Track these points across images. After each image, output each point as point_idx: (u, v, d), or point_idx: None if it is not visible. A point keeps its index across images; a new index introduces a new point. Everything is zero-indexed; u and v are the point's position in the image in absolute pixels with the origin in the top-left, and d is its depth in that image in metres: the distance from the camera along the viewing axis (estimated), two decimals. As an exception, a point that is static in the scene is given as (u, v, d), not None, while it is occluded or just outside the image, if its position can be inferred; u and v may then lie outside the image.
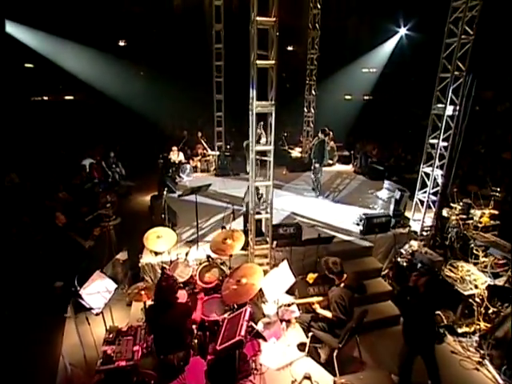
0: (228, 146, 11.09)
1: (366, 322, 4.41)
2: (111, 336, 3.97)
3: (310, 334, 4.34)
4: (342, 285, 4.15)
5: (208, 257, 4.77)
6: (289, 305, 4.47)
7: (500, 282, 5.07)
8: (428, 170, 5.88)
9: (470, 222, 6.04)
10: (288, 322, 4.91)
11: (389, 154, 11.78)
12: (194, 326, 4.13)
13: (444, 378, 4.17)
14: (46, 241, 6.53)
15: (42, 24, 12.54)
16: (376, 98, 17.29)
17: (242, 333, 3.46)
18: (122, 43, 18.28)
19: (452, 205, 6.25)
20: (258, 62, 4.32)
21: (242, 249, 5.59)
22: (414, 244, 5.76)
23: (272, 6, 4.20)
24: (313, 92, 10.23)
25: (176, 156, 10.58)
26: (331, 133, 11.56)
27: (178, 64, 16.94)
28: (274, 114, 4.63)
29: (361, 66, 18.03)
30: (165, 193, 5.75)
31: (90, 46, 14.16)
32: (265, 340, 4.40)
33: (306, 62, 9.99)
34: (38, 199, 7.95)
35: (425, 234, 6.12)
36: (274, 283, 4.50)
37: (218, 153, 10.35)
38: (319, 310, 4.22)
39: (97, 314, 4.01)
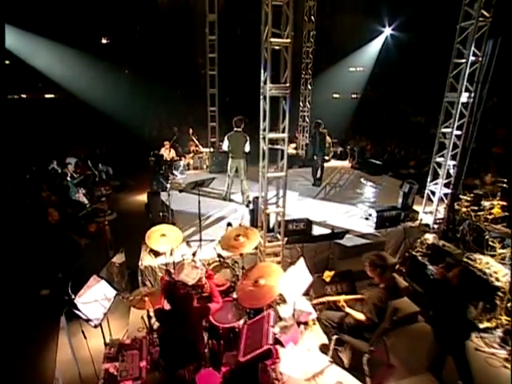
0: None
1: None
2: (112, 351, 3.41)
3: (335, 337, 3.90)
4: (382, 285, 3.73)
5: (219, 256, 4.26)
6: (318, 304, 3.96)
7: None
8: (440, 160, 5.58)
9: (481, 213, 5.78)
10: (305, 324, 4.48)
11: (382, 150, 11.58)
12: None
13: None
14: (31, 243, 5.88)
15: (17, 21, 11.70)
16: (364, 97, 17.18)
17: (270, 341, 2.99)
18: (104, 41, 17.50)
19: (461, 196, 5.98)
20: (272, 40, 3.86)
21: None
22: (429, 237, 5.44)
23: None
24: (308, 86, 9.87)
25: (168, 153, 9.99)
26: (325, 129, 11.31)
27: (163, 61, 16.29)
28: (288, 98, 4.18)
29: (348, 65, 17.92)
30: (168, 186, 5.14)
31: (69, 45, 13.32)
32: (282, 346, 3.94)
33: (302, 56, 9.61)
34: (20, 200, 7.20)
35: (435, 226, 5.81)
36: (291, 283, 4.04)
37: (211, 149, 9.84)
38: (348, 310, 3.76)
39: (95, 327, 3.42)
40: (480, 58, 4.88)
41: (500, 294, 4.72)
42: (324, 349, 4.13)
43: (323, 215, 6.43)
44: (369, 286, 3.97)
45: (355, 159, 10.06)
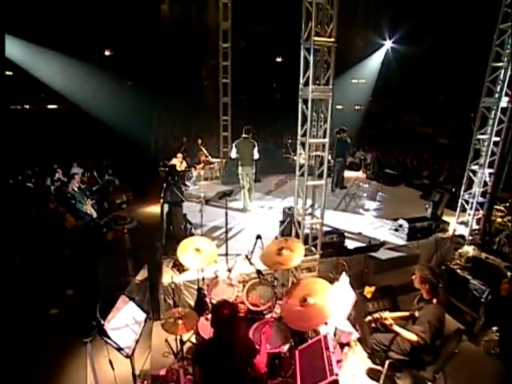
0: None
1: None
2: (146, 385, 2.96)
3: (388, 362, 3.48)
4: (435, 301, 3.36)
5: (258, 272, 3.85)
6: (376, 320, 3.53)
7: None
8: (475, 168, 5.29)
9: (518, 224, 5.48)
10: (347, 345, 4.06)
11: (392, 161, 11.35)
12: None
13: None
14: (40, 256, 5.43)
15: (21, 32, 11.40)
16: (368, 108, 17.13)
17: (335, 369, 2.57)
18: (107, 52, 17.29)
19: (496, 206, 5.68)
20: (315, 38, 3.57)
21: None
22: (469, 249, 5.10)
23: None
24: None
25: (179, 164, 9.62)
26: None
27: (166, 72, 16.10)
28: (331, 101, 3.88)
29: (350, 77, 17.91)
30: (202, 195, 4.70)
31: (73, 56, 13.05)
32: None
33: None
34: (26, 211, 6.75)
35: (470, 238, 5.48)
36: (336, 301, 3.64)
37: (223, 160, 9.50)
38: (398, 329, 3.35)
39: (127, 357, 2.96)
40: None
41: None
42: (373, 374, 3.71)
43: (349, 227, 6.07)
44: (419, 302, 3.59)
45: (370, 169, 9.77)
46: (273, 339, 3.34)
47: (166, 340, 3.93)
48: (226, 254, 4.83)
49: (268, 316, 3.73)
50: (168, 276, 4.58)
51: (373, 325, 3.55)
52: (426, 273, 3.45)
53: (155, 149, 12.62)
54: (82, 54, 13.40)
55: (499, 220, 5.52)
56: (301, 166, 4.27)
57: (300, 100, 4.05)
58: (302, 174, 4.29)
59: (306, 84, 3.92)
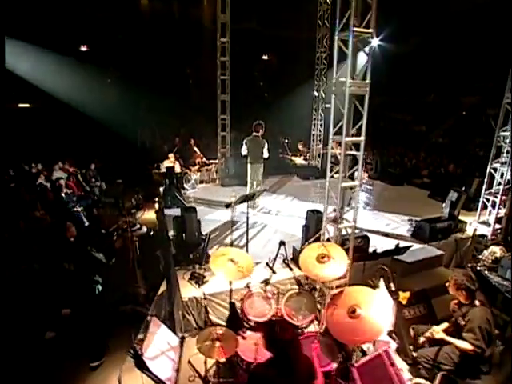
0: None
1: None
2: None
3: (440, 375, 3.35)
4: (478, 303, 3.27)
5: (298, 282, 3.63)
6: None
7: None
8: (498, 166, 5.31)
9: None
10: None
11: (389, 160, 11.42)
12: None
13: None
14: (31, 271, 4.98)
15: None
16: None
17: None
18: (84, 48, 16.52)
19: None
20: (355, 29, 3.41)
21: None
22: (496, 249, 5.09)
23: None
24: (322, 93, 9.55)
25: (172, 165, 9.24)
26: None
27: (149, 71, 15.57)
28: (368, 96, 3.73)
29: (336, 75, 18.00)
30: (233, 200, 4.38)
31: (49, 49, 12.35)
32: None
33: (316, 62, 9.33)
34: (13, 221, 6.21)
35: (493, 237, 5.50)
36: (384, 311, 3.48)
37: (218, 161, 9.23)
38: (454, 341, 3.24)
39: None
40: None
41: None
42: (419, 387, 3.57)
43: (363, 227, 5.99)
44: (460, 307, 3.49)
45: (373, 169, 9.77)
46: (321, 356, 3.13)
47: (189, 362, 3.63)
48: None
49: (307, 330, 3.52)
50: (187, 290, 4.29)
51: (426, 345, 3.42)
52: (462, 279, 3.37)
53: (143, 150, 12.12)
54: (60, 47, 12.68)
55: (518, 219, 5.57)
56: (331, 167, 4.09)
57: (333, 96, 3.87)
58: (334, 176, 4.11)
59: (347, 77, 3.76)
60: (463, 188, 6.96)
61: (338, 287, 4.20)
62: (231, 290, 3.84)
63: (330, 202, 4.20)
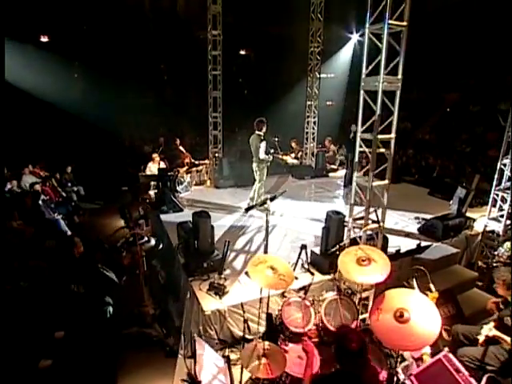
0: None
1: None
2: None
3: (486, 376, 3.41)
4: None
5: (338, 288, 3.57)
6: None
7: None
8: (507, 161, 5.55)
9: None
10: (419, 360, 3.95)
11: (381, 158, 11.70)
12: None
13: None
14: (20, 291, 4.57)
15: None
16: (342, 103, 17.61)
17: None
18: (45, 39, 15.61)
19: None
20: (391, 22, 3.40)
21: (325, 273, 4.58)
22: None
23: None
24: (315, 90, 9.60)
25: (157, 167, 8.92)
26: (327, 139, 11.16)
27: (121, 66, 15.00)
28: (399, 92, 3.75)
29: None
30: (267, 201, 4.20)
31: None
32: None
33: (309, 57, 9.36)
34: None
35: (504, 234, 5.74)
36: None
37: (210, 161, 9.03)
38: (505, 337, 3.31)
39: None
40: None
41: None
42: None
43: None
44: (508, 306, 3.60)
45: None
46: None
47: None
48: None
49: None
50: (207, 302, 4.10)
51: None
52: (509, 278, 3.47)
53: (123, 151, 11.64)
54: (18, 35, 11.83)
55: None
56: (363, 166, 4.08)
57: (362, 92, 3.86)
58: (365, 174, 4.11)
59: (371, 74, 3.75)
60: (464, 184, 7.24)
61: (365, 290, 4.21)
62: (260, 300, 3.74)
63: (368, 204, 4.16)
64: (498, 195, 5.67)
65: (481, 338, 3.42)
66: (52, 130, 11.75)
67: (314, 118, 9.77)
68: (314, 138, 10.00)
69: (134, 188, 9.52)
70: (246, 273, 4.69)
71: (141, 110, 15.17)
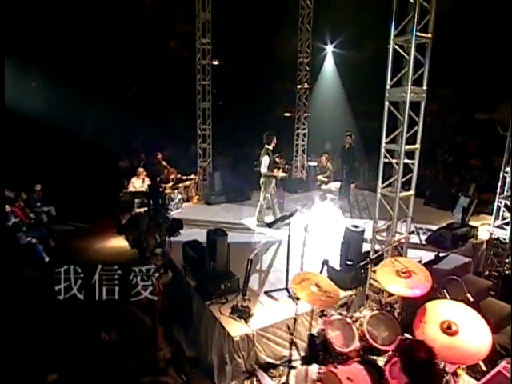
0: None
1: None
2: None
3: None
4: None
5: (380, 302, 3.64)
6: None
7: None
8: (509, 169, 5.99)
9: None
10: (454, 374, 4.09)
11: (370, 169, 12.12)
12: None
13: None
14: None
15: None
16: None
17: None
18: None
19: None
20: (418, 34, 3.65)
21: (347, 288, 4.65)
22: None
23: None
24: (304, 101, 9.89)
25: (141, 183, 8.72)
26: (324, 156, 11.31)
27: (85, 73, 14.60)
28: (424, 103, 3.99)
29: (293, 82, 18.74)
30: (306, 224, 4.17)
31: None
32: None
33: (298, 67, 9.68)
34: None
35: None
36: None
37: (198, 176, 8.97)
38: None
39: None
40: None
41: None
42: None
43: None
44: None
45: (359, 178, 10.29)
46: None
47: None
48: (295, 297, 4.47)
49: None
50: (233, 327, 4.01)
51: None
52: None
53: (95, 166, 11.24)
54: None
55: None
56: (388, 177, 4.25)
57: (387, 103, 4.06)
58: (388, 185, 4.27)
59: (396, 85, 3.96)
60: (459, 194, 7.71)
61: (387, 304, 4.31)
62: (295, 319, 3.73)
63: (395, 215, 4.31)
64: (501, 203, 6.07)
65: None
66: (13, 143, 11.12)
67: (304, 129, 10.02)
68: (304, 151, 10.21)
69: (115, 206, 9.24)
70: (266, 292, 4.69)
71: (109, 122, 14.77)
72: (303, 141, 10.09)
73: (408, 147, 4.07)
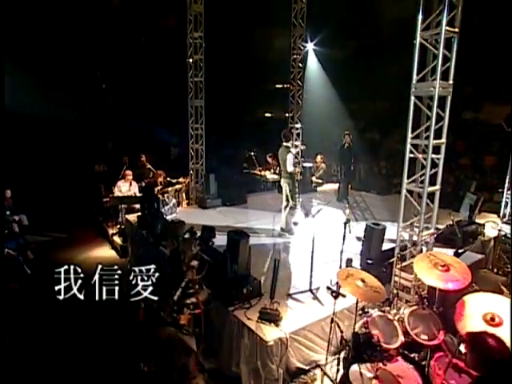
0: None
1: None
2: None
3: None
4: None
5: (420, 297, 3.83)
6: None
7: None
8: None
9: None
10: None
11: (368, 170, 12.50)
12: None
13: None
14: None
15: None
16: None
17: None
18: None
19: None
20: (447, 28, 3.93)
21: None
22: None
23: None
24: (298, 100, 10.13)
25: (128, 187, 8.61)
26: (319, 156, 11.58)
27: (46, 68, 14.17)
28: (450, 97, 4.27)
29: (273, 82, 19.01)
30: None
31: None
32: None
33: (291, 64, 9.92)
34: None
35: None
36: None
37: (190, 179, 8.96)
38: None
39: None
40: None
41: None
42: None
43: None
44: None
45: (357, 179, 10.63)
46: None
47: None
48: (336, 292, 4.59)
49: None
50: (266, 332, 4.07)
51: None
52: None
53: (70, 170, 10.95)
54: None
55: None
56: (412, 173, 4.49)
57: (412, 97, 4.31)
58: (413, 181, 4.51)
59: (422, 80, 4.23)
60: (460, 192, 8.19)
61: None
62: (333, 318, 3.86)
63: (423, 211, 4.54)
64: (509, 199, 6.53)
65: None
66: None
67: (298, 129, 10.25)
68: (298, 153, 10.43)
69: (95, 213, 9.07)
70: (289, 295, 4.79)
71: (78, 122, 14.39)
72: (296, 140, 10.30)
73: (436, 142, 4.32)
